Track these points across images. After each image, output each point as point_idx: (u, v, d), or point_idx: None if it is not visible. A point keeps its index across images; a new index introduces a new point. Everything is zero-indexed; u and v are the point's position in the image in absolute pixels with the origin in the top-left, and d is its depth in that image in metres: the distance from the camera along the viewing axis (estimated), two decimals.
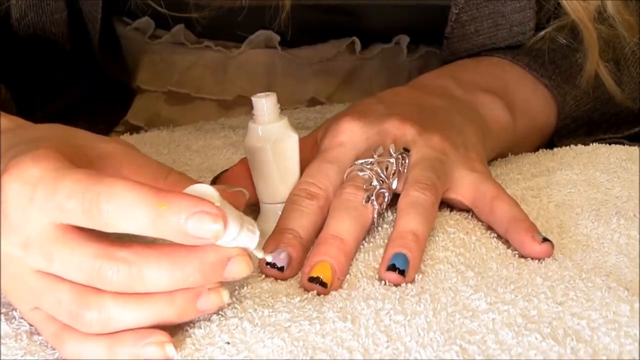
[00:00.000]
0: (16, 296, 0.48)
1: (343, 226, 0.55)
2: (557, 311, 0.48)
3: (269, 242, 0.54)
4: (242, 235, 0.46)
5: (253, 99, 0.57)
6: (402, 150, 0.59)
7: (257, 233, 0.47)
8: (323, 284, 0.52)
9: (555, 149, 0.72)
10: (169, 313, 0.46)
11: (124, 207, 0.44)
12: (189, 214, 0.44)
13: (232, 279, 0.47)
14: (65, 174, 0.45)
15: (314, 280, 0.52)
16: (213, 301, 0.47)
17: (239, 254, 0.46)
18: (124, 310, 0.45)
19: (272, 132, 0.57)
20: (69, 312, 0.45)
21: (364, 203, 0.56)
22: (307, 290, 0.52)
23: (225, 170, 0.60)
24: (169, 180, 0.49)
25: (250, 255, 0.47)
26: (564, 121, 0.75)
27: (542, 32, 0.75)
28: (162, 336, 0.46)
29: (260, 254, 0.49)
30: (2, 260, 0.47)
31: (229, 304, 0.50)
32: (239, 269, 0.46)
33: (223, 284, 0.47)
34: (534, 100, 0.73)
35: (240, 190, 0.51)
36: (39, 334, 0.49)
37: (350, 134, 0.60)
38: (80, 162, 0.47)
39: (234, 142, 0.74)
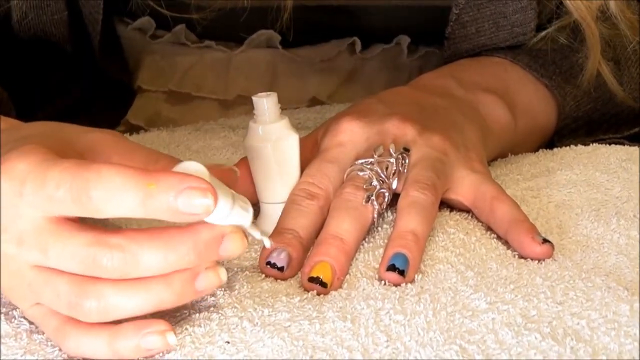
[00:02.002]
0: (16, 294, 0.48)
1: (343, 226, 0.55)
2: (557, 311, 0.48)
3: None
4: (235, 212, 0.46)
5: (254, 98, 0.57)
6: (402, 150, 0.59)
7: (250, 210, 0.47)
8: (323, 284, 0.52)
9: (555, 149, 0.72)
10: (167, 296, 0.46)
11: (113, 191, 0.44)
12: (178, 190, 0.43)
13: (228, 256, 0.46)
14: (52, 165, 0.45)
15: (313, 280, 0.52)
16: (211, 280, 0.46)
17: (232, 231, 0.46)
18: (122, 297, 0.45)
19: (272, 131, 0.57)
20: (68, 303, 0.45)
21: (363, 203, 0.56)
22: (307, 290, 0.52)
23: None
24: (160, 164, 0.49)
25: (244, 232, 0.47)
26: (565, 121, 0.75)
27: (543, 33, 0.75)
28: (163, 325, 0.46)
29: (257, 234, 0.48)
30: (1, 259, 0.47)
31: (228, 303, 0.50)
32: (233, 246, 0.46)
33: (219, 263, 0.47)
34: (535, 100, 0.73)
35: (231, 168, 0.50)
36: (38, 333, 0.49)
37: (351, 134, 0.60)
38: (69, 155, 0.47)
39: (233, 143, 0.74)
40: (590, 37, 0.72)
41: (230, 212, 0.46)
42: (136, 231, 0.45)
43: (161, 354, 0.46)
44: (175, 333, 0.46)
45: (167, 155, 0.50)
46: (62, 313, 0.46)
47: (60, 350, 0.47)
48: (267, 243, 0.51)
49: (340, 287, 0.52)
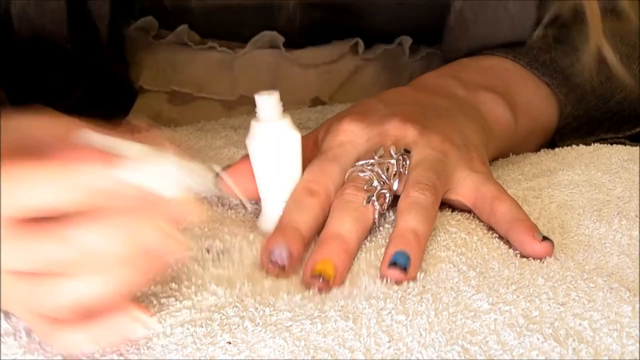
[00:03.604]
0: (7, 302, 0.48)
1: (345, 226, 0.55)
2: (559, 312, 0.48)
3: (270, 239, 0.54)
4: (183, 175, 0.46)
5: (256, 96, 0.57)
6: (402, 152, 0.59)
7: (210, 173, 0.47)
8: (325, 280, 0.52)
9: (557, 149, 0.72)
10: (133, 278, 0.46)
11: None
12: None
13: (188, 223, 0.46)
14: None
15: (315, 276, 0.52)
16: (172, 248, 0.46)
17: (186, 200, 0.46)
18: (86, 286, 0.45)
19: (274, 130, 0.57)
20: (30, 304, 0.46)
21: (364, 204, 0.56)
22: (309, 286, 0.52)
23: (228, 166, 0.60)
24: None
25: (195, 197, 0.47)
26: (566, 120, 0.75)
27: (545, 19, 0.75)
28: (139, 311, 0.46)
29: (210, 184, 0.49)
30: None
31: (230, 303, 0.50)
32: (190, 213, 0.46)
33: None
34: (536, 99, 0.73)
35: (153, 130, 0.50)
36: None
37: (351, 134, 0.60)
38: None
39: (235, 142, 0.74)
40: (591, 14, 0.72)
41: (178, 176, 0.46)
42: (88, 219, 0.45)
43: (162, 352, 0.46)
44: (150, 314, 0.47)
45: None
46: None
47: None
48: (248, 205, 0.51)
49: (342, 283, 0.52)
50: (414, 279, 0.52)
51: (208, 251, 0.56)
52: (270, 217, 0.58)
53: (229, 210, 0.61)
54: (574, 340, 0.46)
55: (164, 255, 0.46)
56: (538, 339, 0.46)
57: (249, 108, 0.78)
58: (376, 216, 0.56)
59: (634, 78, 0.77)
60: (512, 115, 0.70)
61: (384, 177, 0.57)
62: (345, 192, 0.57)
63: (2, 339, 0.48)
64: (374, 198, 0.56)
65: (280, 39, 0.84)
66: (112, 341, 0.46)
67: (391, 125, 0.60)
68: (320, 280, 0.52)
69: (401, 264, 0.52)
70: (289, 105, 0.57)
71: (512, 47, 0.75)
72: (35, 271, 0.45)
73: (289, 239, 0.54)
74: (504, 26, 0.75)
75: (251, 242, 0.57)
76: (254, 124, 0.57)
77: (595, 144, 0.73)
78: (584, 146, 0.72)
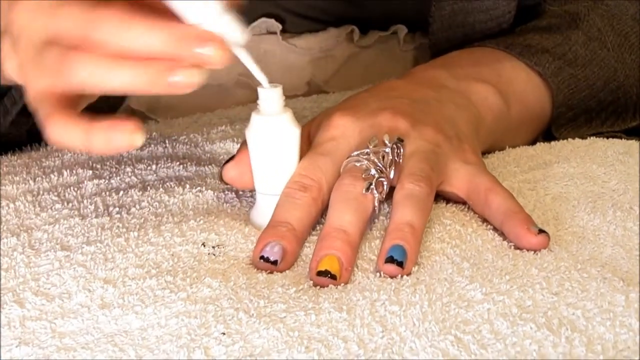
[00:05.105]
0: (35, 70, 0.51)
1: (345, 218, 0.55)
2: (552, 301, 0.48)
3: (263, 235, 0.54)
4: (225, 20, 0.49)
5: (259, 89, 0.56)
6: (396, 140, 0.59)
7: (245, 30, 0.50)
8: (333, 277, 0.52)
9: (553, 143, 0.72)
10: (140, 79, 0.48)
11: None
12: None
13: (205, 58, 0.49)
14: None
15: (322, 273, 0.52)
16: (185, 76, 0.49)
17: (215, 38, 0.49)
18: (97, 67, 0.49)
19: (275, 124, 0.57)
20: (57, 73, 0.50)
21: (364, 192, 0.56)
22: (317, 285, 0.52)
23: (232, 158, 0.60)
24: None
25: (227, 46, 0.50)
26: (559, 109, 0.75)
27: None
28: (132, 125, 0.49)
29: (248, 60, 0.53)
30: None
31: (224, 295, 0.50)
32: (211, 49, 0.49)
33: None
34: (529, 88, 0.73)
35: None
36: (32, 320, 0.49)
37: (343, 128, 0.60)
38: None
39: (231, 136, 0.74)
40: None
41: (219, 17, 0.49)
42: (125, 11, 0.49)
43: (156, 343, 0.46)
44: (143, 133, 0.49)
45: None
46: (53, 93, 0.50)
47: (53, 337, 0.47)
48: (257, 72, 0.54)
49: (350, 277, 0.52)
50: (410, 273, 0.52)
51: (204, 245, 0.56)
52: (263, 211, 0.58)
53: (225, 204, 0.61)
54: (567, 329, 0.46)
55: (175, 79, 0.49)
56: (531, 327, 0.46)
57: (246, 92, 0.77)
58: (376, 204, 0.56)
59: (626, 67, 0.77)
60: (505, 103, 0.70)
61: (381, 165, 0.57)
62: (343, 183, 0.57)
63: None
64: (373, 186, 0.56)
65: (278, 26, 0.84)
66: (102, 146, 0.49)
67: (382, 118, 0.60)
68: (328, 278, 0.52)
69: (398, 259, 0.52)
70: (284, 91, 0.57)
71: (504, 39, 0.75)
72: (72, 36, 0.49)
73: (282, 236, 0.54)
74: (481, 16, 0.75)
75: (247, 236, 0.57)
76: (254, 117, 0.57)
77: (592, 138, 0.73)
78: (580, 139, 0.72)
